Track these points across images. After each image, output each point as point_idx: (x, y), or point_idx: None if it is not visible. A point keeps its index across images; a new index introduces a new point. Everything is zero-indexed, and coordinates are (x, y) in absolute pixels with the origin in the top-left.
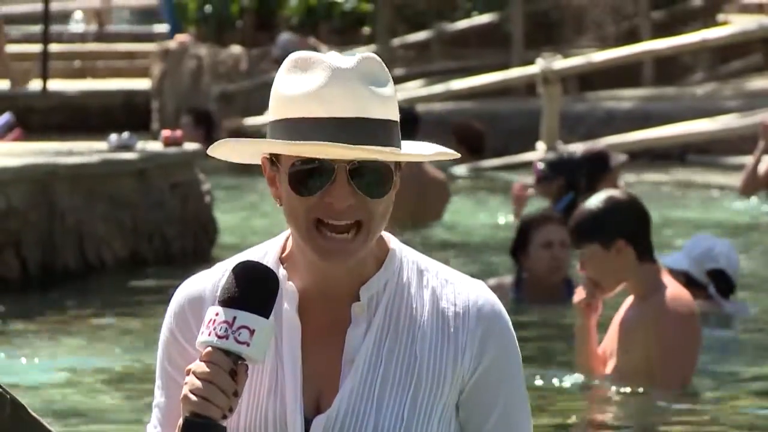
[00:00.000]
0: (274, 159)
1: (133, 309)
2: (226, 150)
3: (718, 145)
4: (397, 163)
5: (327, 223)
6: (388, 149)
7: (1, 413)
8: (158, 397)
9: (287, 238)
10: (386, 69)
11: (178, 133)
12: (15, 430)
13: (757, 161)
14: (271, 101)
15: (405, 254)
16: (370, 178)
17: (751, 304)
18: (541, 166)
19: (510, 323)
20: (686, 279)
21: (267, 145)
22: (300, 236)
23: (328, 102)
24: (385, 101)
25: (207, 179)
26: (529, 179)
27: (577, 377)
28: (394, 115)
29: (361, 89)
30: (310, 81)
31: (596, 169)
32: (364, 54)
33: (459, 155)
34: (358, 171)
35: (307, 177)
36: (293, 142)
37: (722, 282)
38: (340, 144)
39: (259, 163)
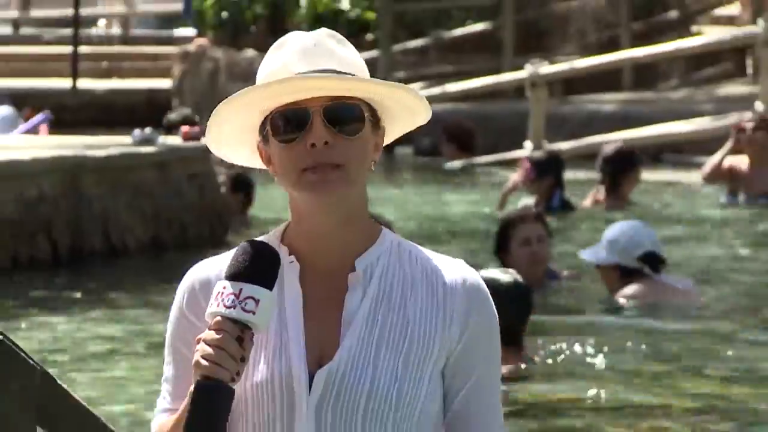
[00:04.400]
0: (264, 137)
1: (153, 288)
2: (217, 130)
3: (691, 145)
4: (371, 109)
5: (310, 166)
6: (345, 77)
7: (31, 383)
8: (168, 371)
9: (287, 225)
10: (342, 37)
11: (196, 128)
12: (45, 400)
13: (724, 156)
14: (261, 72)
15: (394, 236)
16: (343, 117)
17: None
18: (530, 166)
19: (490, 296)
20: (620, 270)
21: (251, 95)
22: (292, 186)
23: (291, 62)
24: (347, 57)
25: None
26: (515, 175)
27: (563, 355)
28: (358, 69)
29: (321, 48)
30: (276, 55)
31: (621, 168)
32: (326, 31)
33: (411, 88)
34: (332, 112)
35: (287, 123)
36: (267, 82)
37: (653, 261)
38: (309, 75)
39: (254, 165)
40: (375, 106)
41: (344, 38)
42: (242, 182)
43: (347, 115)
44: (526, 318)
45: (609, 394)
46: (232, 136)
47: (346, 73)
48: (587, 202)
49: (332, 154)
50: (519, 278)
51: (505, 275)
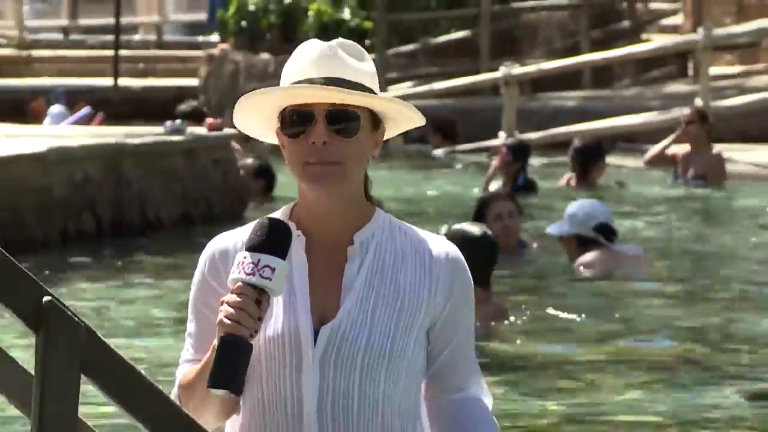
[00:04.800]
0: (281, 124)
1: (183, 256)
2: (244, 120)
3: (641, 135)
4: (372, 115)
5: (311, 161)
6: (354, 92)
7: (76, 339)
8: (190, 328)
9: (295, 203)
10: (364, 51)
11: (219, 120)
12: (89, 354)
13: (668, 145)
14: (284, 75)
15: (386, 215)
16: (342, 122)
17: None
18: (507, 151)
19: (467, 267)
20: (578, 239)
21: (269, 96)
22: (297, 175)
23: (305, 67)
24: (354, 67)
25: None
26: (495, 161)
27: (530, 312)
28: (371, 84)
29: (333, 58)
30: (296, 59)
31: (589, 159)
32: (340, 40)
33: (402, 101)
34: (333, 116)
35: (295, 120)
36: (282, 87)
37: (607, 232)
38: (316, 86)
39: (266, 139)
40: (375, 111)
41: (360, 48)
42: (263, 170)
43: (346, 120)
44: (493, 264)
45: (567, 348)
46: (256, 120)
47: (352, 82)
48: (561, 183)
49: (331, 153)
50: (488, 231)
51: (476, 228)
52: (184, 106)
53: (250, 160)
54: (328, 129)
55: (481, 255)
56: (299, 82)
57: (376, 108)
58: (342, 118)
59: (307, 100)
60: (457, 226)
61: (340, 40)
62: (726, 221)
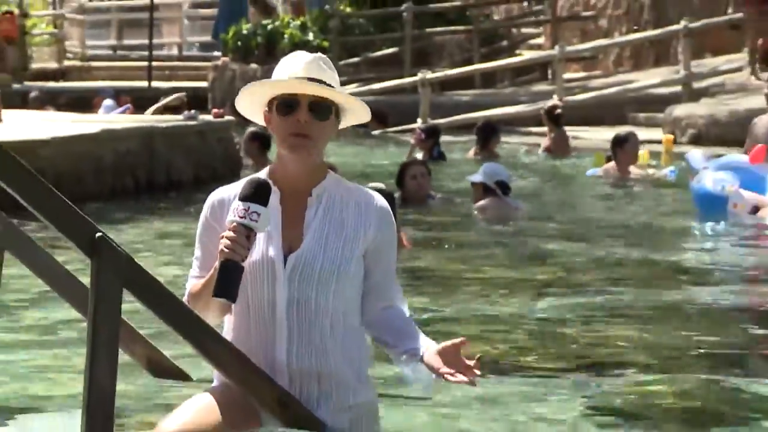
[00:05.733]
0: (269, 107)
1: (195, 206)
2: (245, 105)
3: (516, 121)
4: (336, 109)
5: (294, 133)
6: (325, 88)
7: (119, 264)
8: (197, 254)
9: (272, 167)
10: (330, 63)
11: (221, 111)
12: (129, 275)
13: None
14: (276, 71)
15: (336, 175)
16: (319, 109)
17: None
18: (421, 133)
19: (392, 212)
20: (484, 187)
21: (266, 86)
22: (281, 142)
23: (297, 70)
24: (329, 74)
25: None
26: (413, 139)
27: (434, 242)
28: (336, 86)
29: (317, 65)
30: (290, 62)
31: (489, 134)
32: (320, 54)
33: (359, 100)
34: (313, 105)
35: (286, 105)
36: (278, 80)
37: (504, 187)
38: (300, 82)
39: (252, 118)
40: (338, 105)
41: (330, 62)
42: (258, 134)
43: (322, 108)
44: (395, 211)
45: (458, 265)
46: (252, 105)
47: (325, 83)
48: (470, 155)
49: (308, 129)
50: (385, 188)
51: (381, 185)
52: (171, 98)
53: (250, 128)
54: (309, 113)
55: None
56: (294, 78)
57: (341, 102)
58: (319, 107)
59: (298, 91)
60: (371, 185)
61: (319, 54)
62: (566, 178)
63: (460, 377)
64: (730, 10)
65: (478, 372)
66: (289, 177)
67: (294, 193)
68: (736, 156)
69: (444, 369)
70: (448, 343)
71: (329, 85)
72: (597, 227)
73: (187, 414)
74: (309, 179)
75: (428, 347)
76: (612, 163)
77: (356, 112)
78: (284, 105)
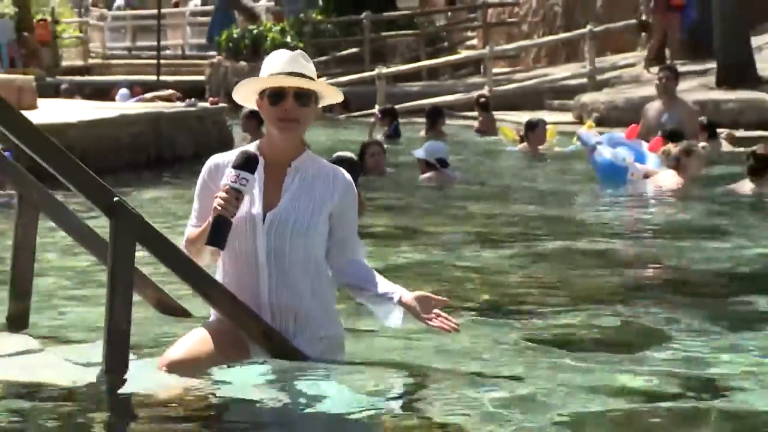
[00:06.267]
0: (261, 96)
1: (195, 175)
2: (240, 95)
3: (458, 107)
4: (315, 96)
5: (282, 118)
6: (307, 80)
7: (134, 223)
8: (195, 208)
9: (259, 141)
10: (308, 57)
11: (216, 99)
12: (142, 233)
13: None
14: (264, 68)
15: (310, 152)
16: (302, 98)
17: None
18: (379, 114)
19: (353, 183)
20: (425, 163)
21: (259, 82)
22: (271, 125)
23: (282, 66)
24: (308, 67)
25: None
26: (372, 119)
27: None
28: (314, 76)
29: (297, 61)
30: (276, 58)
31: (436, 117)
32: (300, 51)
33: (335, 88)
34: (297, 95)
35: (276, 95)
36: (269, 76)
37: (443, 162)
38: (286, 77)
39: (246, 105)
40: (317, 92)
41: (308, 57)
42: (255, 112)
43: (304, 97)
44: (359, 175)
45: (403, 222)
46: (246, 95)
47: (306, 75)
48: (421, 134)
49: (294, 115)
50: (353, 156)
51: (346, 154)
52: (165, 92)
53: (245, 109)
54: (294, 102)
55: (350, 168)
56: (279, 73)
57: (320, 90)
58: (302, 96)
59: (284, 85)
60: (338, 153)
61: (299, 51)
62: (492, 153)
63: (439, 323)
64: (638, 18)
65: (454, 321)
66: (274, 151)
67: (276, 164)
68: (616, 133)
69: (425, 315)
70: (424, 293)
71: (309, 77)
72: (516, 191)
73: (188, 344)
74: (290, 154)
75: (402, 293)
76: (524, 144)
77: (331, 96)
78: (274, 95)
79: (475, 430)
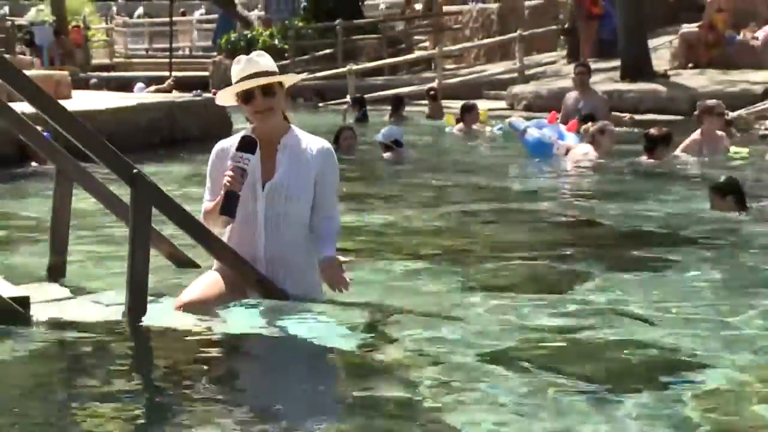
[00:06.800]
0: (236, 98)
1: (203, 154)
2: (222, 100)
3: (413, 97)
4: (281, 87)
5: (256, 111)
6: (267, 78)
7: (151, 191)
8: (208, 185)
9: (252, 127)
10: (265, 53)
11: (218, 91)
12: (158, 199)
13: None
14: (232, 76)
15: (295, 128)
16: (268, 91)
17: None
18: (351, 101)
19: (335, 153)
20: (384, 145)
21: (231, 89)
22: (251, 118)
23: (243, 71)
24: (265, 63)
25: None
26: (344, 107)
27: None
28: (273, 68)
29: (259, 62)
30: (238, 66)
31: (398, 104)
32: (261, 52)
33: (293, 75)
34: (263, 90)
35: (246, 96)
36: (236, 84)
37: (398, 143)
38: (249, 80)
39: (234, 105)
40: (282, 81)
41: (263, 53)
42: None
43: (269, 90)
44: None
45: (363, 189)
46: (226, 99)
47: (267, 71)
48: (386, 118)
49: (264, 106)
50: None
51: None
52: (165, 85)
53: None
54: (261, 97)
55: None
56: (244, 78)
57: (282, 79)
58: (267, 90)
59: (249, 86)
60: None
61: (255, 51)
62: (438, 133)
63: (337, 287)
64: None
65: (348, 281)
66: (264, 134)
67: (268, 143)
68: (541, 120)
69: (329, 281)
70: (336, 261)
71: (269, 71)
72: (457, 164)
73: (197, 287)
74: (277, 133)
75: (325, 256)
76: (461, 124)
77: (291, 79)
78: (245, 97)
79: (425, 355)
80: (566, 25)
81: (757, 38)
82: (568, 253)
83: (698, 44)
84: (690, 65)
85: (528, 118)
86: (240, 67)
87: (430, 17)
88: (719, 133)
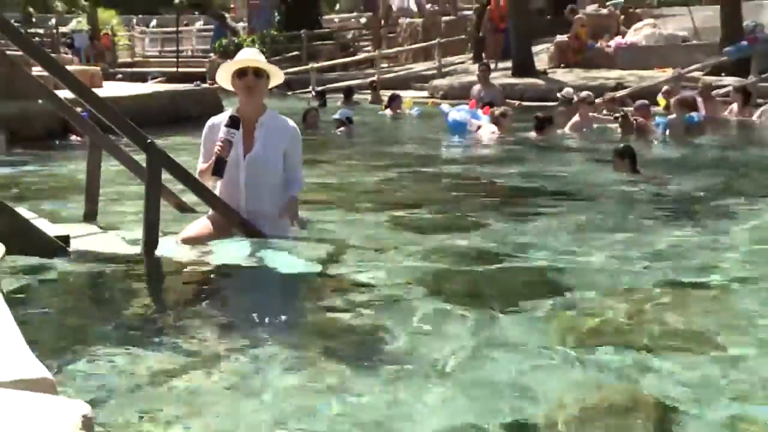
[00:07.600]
0: (233, 76)
1: (199, 129)
2: (221, 77)
3: (359, 88)
4: (267, 74)
5: (246, 87)
6: (261, 62)
7: (161, 156)
8: (202, 152)
9: (236, 109)
10: (261, 54)
11: (213, 83)
12: (167, 164)
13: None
14: (234, 59)
15: (270, 110)
16: (258, 73)
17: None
18: (314, 92)
19: (299, 130)
20: (340, 121)
21: (232, 64)
22: (240, 92)
23: (246, 56)
24: (262, 59)
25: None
26: (310, 96)
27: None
28: (264, 63)
29: (255, 54)
30: (242, 53)
31: (349, 93)
32: (255, 49)
33: (283, 76)
34: (255, 71)
35: (241, 72)
36: (237, 60)
37: (350, 120)
38: (248, 60)
39: (230, 88)
40: (268, 71)
41: (260, 52)
42: None
43: (260, 73)
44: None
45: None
46: (224, 76)
47: (261, 60)
48: (339, 104)
49: (254, 83)
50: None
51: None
52: (158, 79)
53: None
54: (253, 76)
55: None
56: (239, 60)
57: (269, 70)
58: (258, 72)
59: (247, 65)
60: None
61: (255, 48)
62: (375, 114)
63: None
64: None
65: (299, 216)
66: (246, 112)
67: (249, 121)
68: (463, 106)
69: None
70: (295, 197)
71: (263, 62)
72: (390, 138)
73: (195, 227)
74: (256, 113)
75: (289, 195)
76: (388, 109)
77: (276, 76)
78: (240, 72)
79: (367, 283)
80: (480, 34)
81: (610, 46)
82: (472, 203)
83: (567, 50)
84: (562, 66)
85: (453, 105)
86: (244, 53)
87: (372, 28)
88: (591, 115)
